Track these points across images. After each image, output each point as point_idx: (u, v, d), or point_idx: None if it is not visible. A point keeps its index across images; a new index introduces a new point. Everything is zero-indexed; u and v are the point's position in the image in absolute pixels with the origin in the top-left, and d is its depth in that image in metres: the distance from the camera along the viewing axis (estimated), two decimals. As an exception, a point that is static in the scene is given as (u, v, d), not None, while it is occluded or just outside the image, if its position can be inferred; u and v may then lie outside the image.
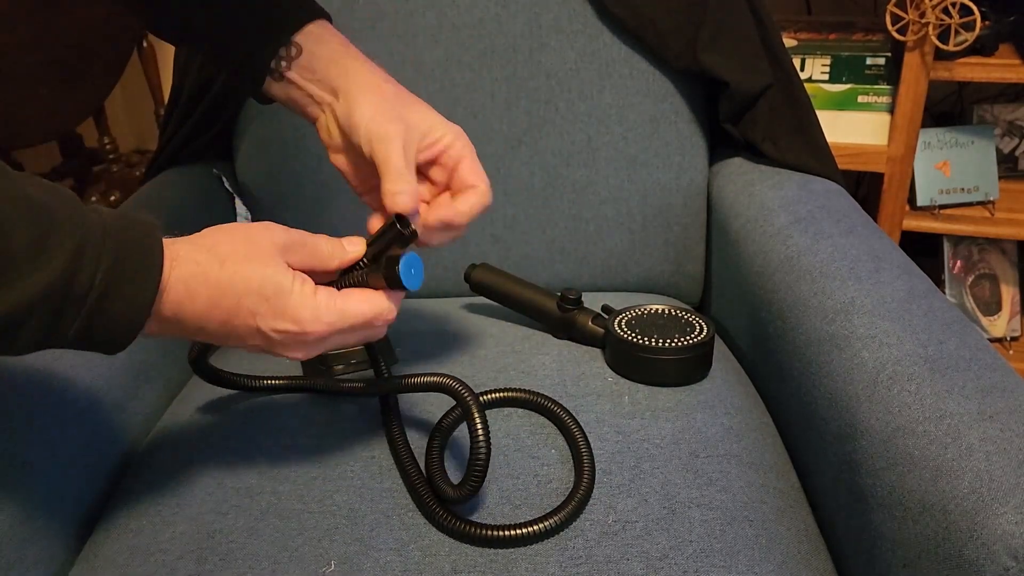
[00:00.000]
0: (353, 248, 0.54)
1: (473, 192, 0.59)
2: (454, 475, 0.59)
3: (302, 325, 0.48)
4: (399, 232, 0.54)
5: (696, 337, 0.69)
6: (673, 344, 0.68)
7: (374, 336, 0.54)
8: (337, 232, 0.93)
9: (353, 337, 0.52)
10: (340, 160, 0.62)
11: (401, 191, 0.55)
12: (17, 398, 0.59)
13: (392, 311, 0.53)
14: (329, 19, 0.62)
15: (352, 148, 0.59)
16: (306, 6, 0.61)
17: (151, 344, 0.73)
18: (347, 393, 0.68)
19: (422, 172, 0.60)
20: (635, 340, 0.69)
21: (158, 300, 0.45)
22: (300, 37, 0.59)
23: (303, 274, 0.50)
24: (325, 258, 0.53)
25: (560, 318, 0.76)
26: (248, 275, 0.47)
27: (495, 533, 0.53)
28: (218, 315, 0.47)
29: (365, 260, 0.55)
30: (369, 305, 0.52)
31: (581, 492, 0.56)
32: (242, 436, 0.65)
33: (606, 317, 0.75)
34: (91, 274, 0.42)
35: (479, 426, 0.52)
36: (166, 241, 0.46)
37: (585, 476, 0.57)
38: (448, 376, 0.55)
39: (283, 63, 0.59)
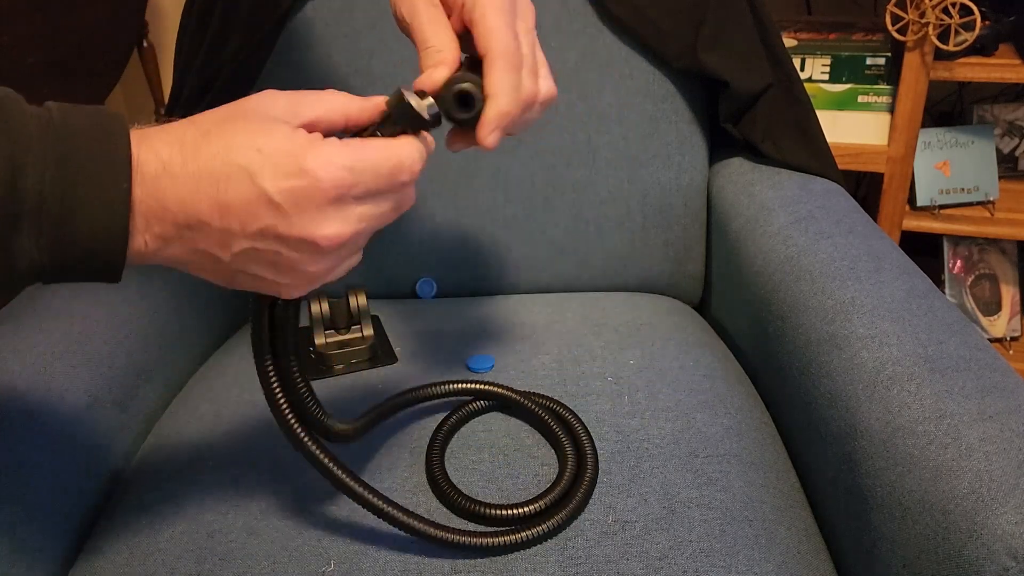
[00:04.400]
0: (372, 102, 0.43)
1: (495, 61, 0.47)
2: (454, 479, 0.59)
3: (313, 174, 0.38)
4: (417, 116, 0.43)
5: None
6: None
7: (405, 198, 0.43)
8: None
9: (380, 196, 0.41)
10: None
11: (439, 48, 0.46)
12: (18, 398, 0.59)
13: (417, 158, 0.42)
14: None
15: None
16: None
17: (152, 344, 0.73)
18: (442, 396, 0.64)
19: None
20: None
21: (134, 187, 0.37)
22: None
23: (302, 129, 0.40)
24: (338, 108, 0.42)
25: None
26: (235, 131, 0.38)
27: (493, 540, 0.53)
28: (208, 189, 0.37)
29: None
30: (391, 146, 0.41)
31: (584, 489, 0.56)
32: (242, 436, 0.65)
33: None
34: (40, 176, 0.35)
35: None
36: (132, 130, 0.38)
37: (588, 473, 0.58)
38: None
39: None
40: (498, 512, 0.55)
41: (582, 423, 0.63)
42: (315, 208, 0.39)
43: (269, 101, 0.41)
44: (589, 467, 0.58)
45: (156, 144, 0.38)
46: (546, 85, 0.50)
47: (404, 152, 0.42)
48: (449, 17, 0.49)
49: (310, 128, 0.41)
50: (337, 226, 0.39)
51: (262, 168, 0.38)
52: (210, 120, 0.39)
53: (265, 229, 0.39)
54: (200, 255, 0.40)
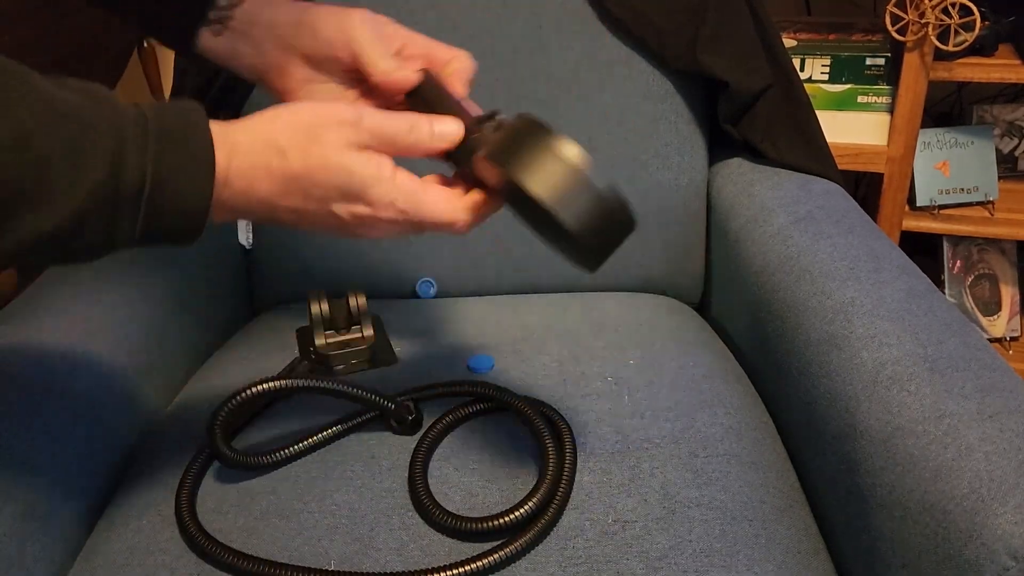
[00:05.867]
0: (444, 129, 0.49)
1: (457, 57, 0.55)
2: (452, 483, 0.59)
3: (375, 209, 0.46)
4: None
5: None
6: None
7: (448, 232, 0.49)
8: (339, 244, 0.92)
9: (426, 230, 0.49)
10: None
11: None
12: (20, 395, 0.60)
13: (467, 223, 0.49)
14: None
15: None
16: None
17: (152, 344, 0.74)
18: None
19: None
20: None
21: (219, 192, 0.44)
22: None
23: (377, 154, 0.47)
24: (405, 148, 0.48)
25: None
26: (313, 166, 0.45)
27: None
28: (287, 203, 0.45)
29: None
30: (447, 207, 0.48)
31: (563, 483, 0.56)
32: (242, 436, 0.65)
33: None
34: (139, 171, 0.40)
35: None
36: (220, 127, 0.44)
37: (567, 462, 0.58)
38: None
39: (224, 13, 0.55)
40: (467, 526, 0.54)
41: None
42: (372, 226, 0.47)
43: (337, 131, 0.46)
44: (566, 476, 0.57)
45: (243, 161, 0.44)
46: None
47: (461, 216, 0.48)
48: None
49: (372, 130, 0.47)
50: (376, 232, 0.48)
51: (336, 199, 0.46)
52: (286, 142, 0.45)
53: (331, 227, 0.47)
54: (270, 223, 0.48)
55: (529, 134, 0.44)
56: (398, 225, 0.47)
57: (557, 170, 0.43)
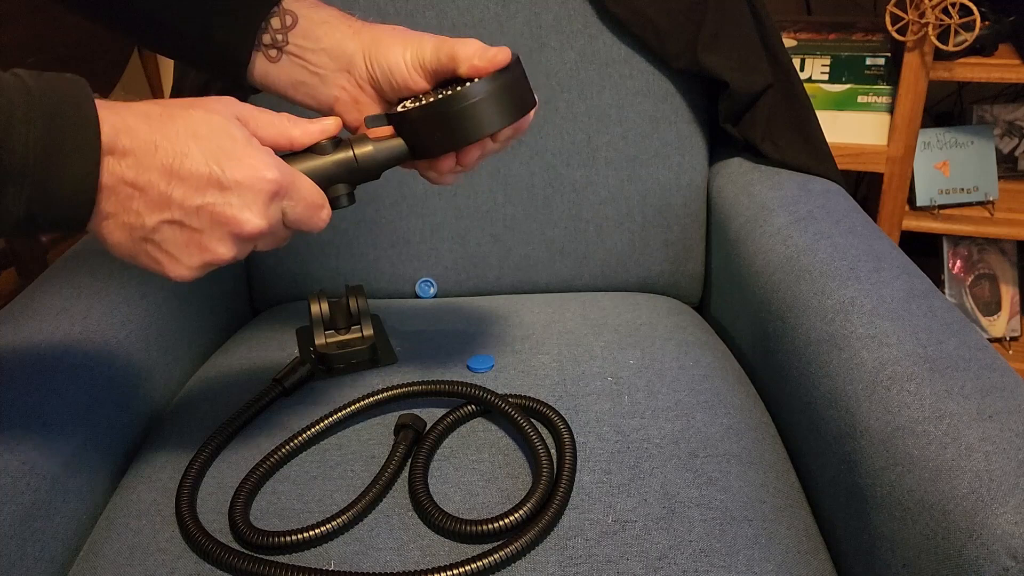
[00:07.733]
0: (315, 125, 0.49)
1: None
2: (448, 483, 0.59)
3: (261, 170, 0.43)
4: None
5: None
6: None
7: (310, 222, 0.48)
8: (339, 244, 0.93)
9: (294, 219, 0.46)
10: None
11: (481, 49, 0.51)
12: (20, 395, 0.60)
13: (328, 215, 0.48)
14: None
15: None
16: None
17: (152, 343, 0.73)
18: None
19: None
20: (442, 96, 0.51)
21: (109, 150, 0.41)
22: (291, 3, 0.53)
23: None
24: (284, 132, 0.48)
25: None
26: (200, 120, 0.43)
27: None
28: (164, 157, 0.42)
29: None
30: (318, 189, 0.48)
31: (563, 485, 0.56)
32: (242, 436, 0.65)
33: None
34: (23, 140, 0.38)
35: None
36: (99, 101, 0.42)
37: (567, 464, 0.58)
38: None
39: (279, 36, 0.52)
40: (469, 528, 0.54)
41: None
42: (252, 196, 0.44)
43: (228, 107, 0.45)
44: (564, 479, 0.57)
45: (123, 112, 0.42)
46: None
47: (319, 195, 0.48)
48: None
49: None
50: (259, 219, 0.44)
51: (218, 157, 0.43)
52: (176, 105, 0.44)
53: (203, 207, 0.43)
54: (127, 213, 0.42)
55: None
56: (274, 197, 0.44)
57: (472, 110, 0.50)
